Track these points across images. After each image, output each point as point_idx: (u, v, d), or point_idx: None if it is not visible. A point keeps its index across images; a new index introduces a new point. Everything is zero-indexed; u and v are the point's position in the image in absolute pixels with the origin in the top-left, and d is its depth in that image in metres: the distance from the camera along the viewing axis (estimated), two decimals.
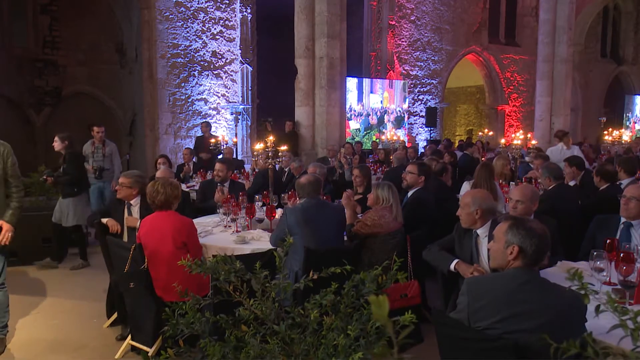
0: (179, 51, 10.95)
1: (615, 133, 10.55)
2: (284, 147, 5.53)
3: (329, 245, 3.51)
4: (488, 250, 2.47)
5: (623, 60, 20.52)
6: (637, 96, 18.72)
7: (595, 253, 2.49)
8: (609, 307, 1.02)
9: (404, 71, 14.50)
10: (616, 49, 20.56)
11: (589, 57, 19.17)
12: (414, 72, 14.76)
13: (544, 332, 1.66)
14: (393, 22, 14.13)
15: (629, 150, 9.15)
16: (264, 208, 4.28)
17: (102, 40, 12.82)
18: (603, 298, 1.12)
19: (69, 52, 12.58)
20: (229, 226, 4.14)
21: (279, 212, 4.29)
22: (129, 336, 3.47)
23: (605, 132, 11.30)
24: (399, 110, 14.10)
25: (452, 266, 3.02)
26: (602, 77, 20.20)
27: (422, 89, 15.01)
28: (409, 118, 14.64)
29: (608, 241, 2.69)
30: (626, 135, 10.88)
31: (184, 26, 10.96)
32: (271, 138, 4.86)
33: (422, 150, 11.72)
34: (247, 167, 8.82)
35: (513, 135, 10.34)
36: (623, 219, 3.28)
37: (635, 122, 18.18)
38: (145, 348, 3.31)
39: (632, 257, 2.41)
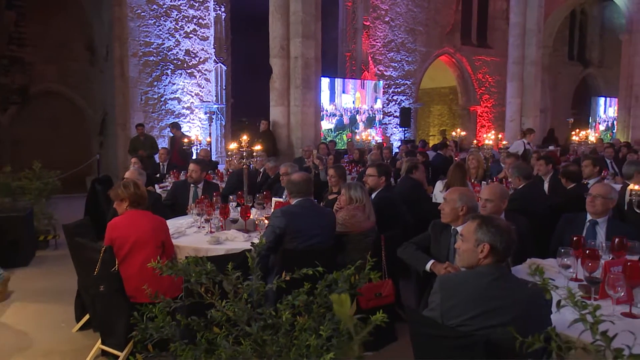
0: (151, 49, 10.78)
1: (582, 134, 10.87)
2: (257, 147, 5.50)
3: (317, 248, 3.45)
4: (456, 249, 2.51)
5: (589, 63, 21.16)
6: (601, 98, 19.33)
7: (562, 250, 2.55)
8: (569, 302, 1.05)
9: (378, 72, 14.61)
10: (583, 52, 21.20)
11: (557, 59, 19.70)
12: (389, 73, 14.89)
13: (514, 326, 1.70)
14: (368, 23, 14.23)
15: (594, 151, 9.44)
16: (239, 208, 4.24)
17: (72, 38, 12.48)
18: (565, 293, 1.15)
19: (36, 49, 12.21)
20: (203, 227, 4.10)
21: (253, 213, 4.26)
22: (99, 340, 3.40)
23: (573, 133, 11.63)
24: (370, 110, 14.19)
25: (427, 267, 3.04)
26: (570, 79, 20.80)
27: (396, 90, 15.15)
28: (383, 118, 14.76)
29: (575, 238, 2.77)
30: (592, 136, 11.23)
31: (157, 24, 10.79)
32: (245, 137, 4.82)
33: (397, 150, 11.83)
34: (221, 168, 8.75)
35: (485, 136, 10.54)
36: (589, 217, 3.39)
37: (599, 123, 18.76)
38: (116, 352, 3.25)
39: (597, 254, 2.48)
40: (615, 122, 18.24)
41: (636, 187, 3.47)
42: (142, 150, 9.05)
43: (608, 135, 18.18)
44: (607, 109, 19.18)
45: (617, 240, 2.74)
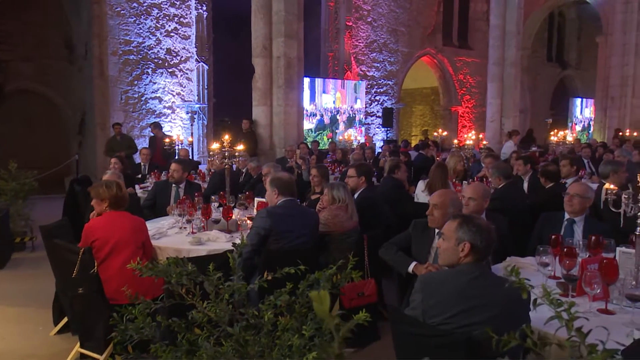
0: (131, 48, 10.63)
1: (560, 134, 11.08)
2: (240, 147, 5.47)
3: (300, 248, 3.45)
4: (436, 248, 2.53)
5: (567, 65, 21.58)
6: (577, 99, 19.72)
7: (541, 249, 2.59)
8: (545, 300, 1.08)
9: (361, 72, 14.66)
10: (561, 53, 21.61)
11: (536, 61, 20.04)
12: (371, 73, 14.95)
13: (494, 324, 1.72)
14: (350, 23, 14.26)
15: (572, 151, 9.63)
16: (221, 209, 4.21)
17: (49, 35, 12.22)
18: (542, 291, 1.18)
19: (12, 46, 11.92)
20: (185, 227, 4.06)
21: (235, 213, 4.23)
22: (78, 343, 3.34)
23: (552, 133, 11.86)
24: (350, 110, 14.22)
25: (410, 269, 3.05)
26: (549, 80, 21.19)
27: (378, 90, 15.23)
28: (365, 118, 14.82)
29: (553, 237, 2.82)
30: (569, 136, 11.48)
31: (137, 22, 10.65)
32: (227, 137, 4.78)
33: (380, 150, 11.89)
34: (203, 168, 8.68)
35: (466, 136, 10.68)
36: (567, 216, 3.45)
37: (576, 124, 19.13)
38: (95, 355, 3.20)
39: (575, 252, 2.53)
40: (591, 123, 18.63)
41: (612, 186, 3.55)
42: (122, 151, 8.95)
43: (584, 135, 18.56)
44: (583, 110, 19.58)
45: (593, 238, 2.80)
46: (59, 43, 12.37)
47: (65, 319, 3.78)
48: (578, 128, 19.05)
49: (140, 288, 1.92)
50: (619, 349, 1.00)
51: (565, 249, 2.51)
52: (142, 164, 8.08)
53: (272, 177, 3.67)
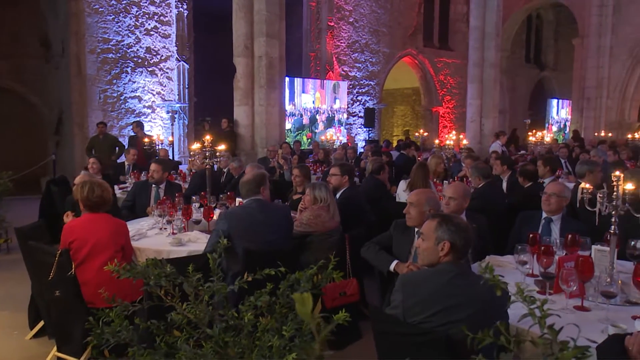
0: (110, 46, 10.46)
1: (539, 134, 11.28)
2: (222, 147, 5.43)
3: (274, 247, 3.44)
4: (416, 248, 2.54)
5: (545, 66, 21.98)
6: (554, 100, 20.09)
7: (519, 247, 2.63)
8: (518, 297, 1.09)
9: (343, 72, 14.69)
10: (539, 55, 22.00)
11: (515, 62, 20.36)
12: (353, 73, 15.00)
13: (474, 322, 1.74)
14: (332, 24, 14.29)
15: (550, 151, 9.80)
16: (202, 209, 4.18)
17: (25, 32, 11.94)
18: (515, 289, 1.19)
19: None
20: (165, 228, 4.01)
21: (216, 213, 4.20)
22: (55, 347, 3.27)
23: (530, 133, 12.06)
24: (330, 110, 14.24)
25: (391, 267, 3.07)
26: (527, 81, 21.55)
27: (360, 90, 15.29)
28: (348, 118, 14.86)
29: (531, 235, 2.87)
30: (547, 137, 11.70)
31: (116, 20, 10.50)
32: (208, 137, 4.74)
33: (362, 150, 11.93)
34: (184, 168, 8.60)
35: (446, 136, 10.79)
36: (544, 215, 3.51)
37: (552, 125, 19.48)
38: (73, 359, 3.13)
39: (552, 250, 2.57)
40: (567, 123, 19.00)
41: (587, 185, 3.63)
42: (113, 155, 8.91)
43: (560, 135, 18.91)
44: (559, 111, 19.96)
45: (570, 236, 2.85)
46: (35, 40, 12.09)
47: (42, 323, 3.70)
48: (554, 129, 19.41)
49: (118, 291, 1.89)
50: (590, 346, 1.02)
51: (542, 248, 2.55)
52: (126, 164, 7.95)
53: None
